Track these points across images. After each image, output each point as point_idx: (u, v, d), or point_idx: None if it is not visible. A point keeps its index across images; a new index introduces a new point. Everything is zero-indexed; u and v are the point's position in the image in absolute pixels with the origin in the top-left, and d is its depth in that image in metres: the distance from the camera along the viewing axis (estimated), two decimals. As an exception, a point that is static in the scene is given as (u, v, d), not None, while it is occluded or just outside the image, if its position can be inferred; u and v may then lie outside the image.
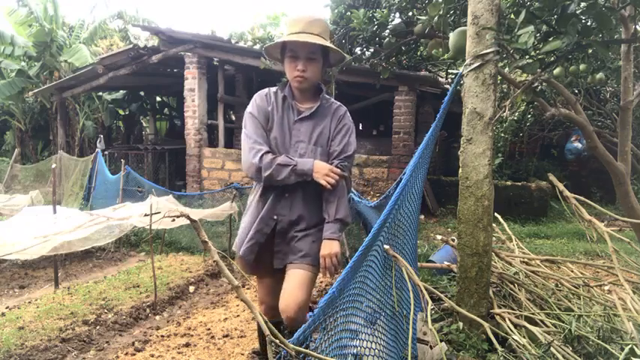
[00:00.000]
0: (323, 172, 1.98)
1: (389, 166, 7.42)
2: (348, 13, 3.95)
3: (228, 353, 2.99)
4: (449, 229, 6.88)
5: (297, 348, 0.91)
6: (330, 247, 1.99)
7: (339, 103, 2.17)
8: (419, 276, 2.50)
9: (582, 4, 2.10)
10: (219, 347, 3.08)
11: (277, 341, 0.88)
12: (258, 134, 2.06)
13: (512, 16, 2.64)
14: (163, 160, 10.03)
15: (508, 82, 3.44)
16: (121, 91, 12.58)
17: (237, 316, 3.64)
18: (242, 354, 2.96)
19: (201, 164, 8.35)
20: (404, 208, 2.04)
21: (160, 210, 4.08)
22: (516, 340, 2.23)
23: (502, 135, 8.20)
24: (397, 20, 4.09)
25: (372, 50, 4.46)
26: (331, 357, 1.17)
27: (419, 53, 5.50)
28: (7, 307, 3.86)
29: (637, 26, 3.35)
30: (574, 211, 3.12)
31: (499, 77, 2.67)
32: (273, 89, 2.15)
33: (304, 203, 2.08)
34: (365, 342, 1.50)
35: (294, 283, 2.01)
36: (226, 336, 3.25)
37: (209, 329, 3.37)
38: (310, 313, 1.06)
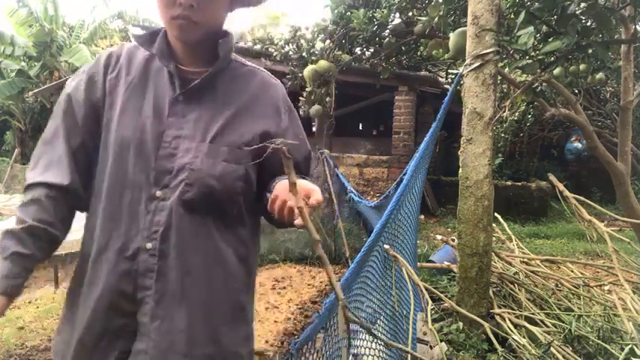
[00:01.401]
0: None
1: (389, 166, 7.43)
2: (348, 14, 3.96)
3: (229, 353, 2.99)
4: (449, 229, 6.88)
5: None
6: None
7: (266, 71, 1.18)
8: (419, 276, 2.51)
9: (582, 5, 2.10)
10: (220, 347, 3.07)
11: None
12: (55, 140, 1.05)
13: (512, 16, 2.65)
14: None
15: (508, 82, 3.45)
16: (121, 91, 12.58)
17: (238, 316, 3.64)
18: (242, 354, 2.96)
19: (201, 164, 8.37)
20: (404, 208, 2.04)
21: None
22: (516, 340, 2.23)
23: (502, 135, 8.20)
24: (397, 20, 4.09)
25: (372, 50, 4.46)
26: (332, 357, 1.17)
27: (419, 53, 5.50)
28: (7, 307, 3.86)
29: (637, 26, 3.35)
30: (574, 211, 3.12)
31: (499, 77, 2.67)
32: (130, 44, 1.14)
33: (188, 303, 0.99)
34: (365, 342, 1.51)
35: None
36: (226, 336, 3.25)
37: (209, 329, 3.37)
38: (316, 314, 1.06)
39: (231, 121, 1.05)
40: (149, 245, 0.97)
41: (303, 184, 0.86)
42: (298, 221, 0.82)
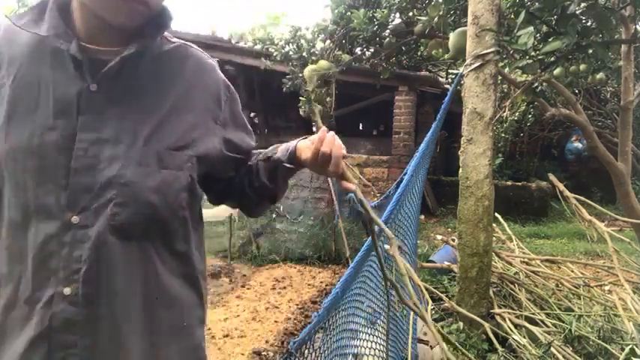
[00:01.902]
0: None
1: (389, 166, 7.43)
2: (349, 14, 3.96)
3: (228, 353, 2.99)
4: (449, 229, 6.88)
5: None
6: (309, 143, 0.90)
7: (198, 49, 0.94)
8: (419, 276, 2.51)
9: (582, 5, 2.10)
10: (220, 347, 3.08)
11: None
12: None
13: (512, 16, 2.65)
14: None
15: (508, 82, 3.45)
16: (121, 91, 12.58)
17: (237, 316, 3.64)
18: (242, 354, 2.96)
19: (201, 164, 8.37)
20: (404, 208, 2.04)
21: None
22: (516, 340, 2.23)
23: (502, 135, 8.20)
24: (397, 20, 4.09)
25: (372, 50, 4.47)
26: (332, 357, 1.17)
27: (419, 53, 5.51)
28: (7, 307, 3.86)
29: (637, 26, 3.35)
30: (574, 211, 3.12)
31: (499, 77, 2.67)
32: (14, 18, 0.81)
33: None
34: (365, 342, 1.51)
35: None
36: (226, 336, 3.25)
37: (209, 329, 3.37)
38: (315, 314, 1.06)
39: (167, 117, 0.82)
40: (67, 290, 0.73)
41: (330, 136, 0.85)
42: (332, 167, 0.84)
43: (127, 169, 0.76)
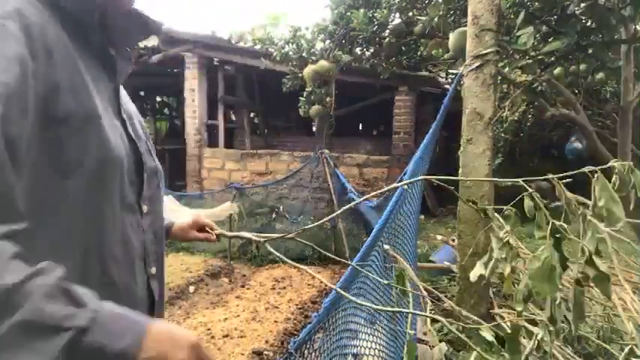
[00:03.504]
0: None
1: (389, 166, 7.42)
2: (349, 14, 3.96)
3: (228, 353, 2.99)
4: (449, 229, 6.88)
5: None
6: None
7: None
8: (419, 276, 2.51)
9: (582, 5, 2.10)
10: (219, 347, 3.08)
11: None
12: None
13: (512, 16, 2.65)
14: (163, 160, 10.03)
15: (508, 82, 3.45)
16: (121, 91, 12.58)
17: (237, 316, 3.64)
18: (242, 354, 2.96)
19: (201, 164, 8.36)
20: (404, 208, 2.04)
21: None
22: (516, 340, 2.23)
23: (502, 135, 8.20)
24: (397, 20, 4.10)
25: (372, 50, 4.47)
26: (332, 357, 1.17)
27: (419, 53, 5.51)
28: (7, 307, 3.86)
29: (637, 26, 3.35)
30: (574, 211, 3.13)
31: (499, 77, 2.68)
32: (29, 10, 0.64)
33: None
34: (365, 342, 1.51)
35: None
36: (226, 336, 3.25)
37: (209, 329, 3.37)
38: (315, 314, 1.06)
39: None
40: (153, 270, 0.87)
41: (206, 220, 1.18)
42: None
43: (155, 160, 0.92)
